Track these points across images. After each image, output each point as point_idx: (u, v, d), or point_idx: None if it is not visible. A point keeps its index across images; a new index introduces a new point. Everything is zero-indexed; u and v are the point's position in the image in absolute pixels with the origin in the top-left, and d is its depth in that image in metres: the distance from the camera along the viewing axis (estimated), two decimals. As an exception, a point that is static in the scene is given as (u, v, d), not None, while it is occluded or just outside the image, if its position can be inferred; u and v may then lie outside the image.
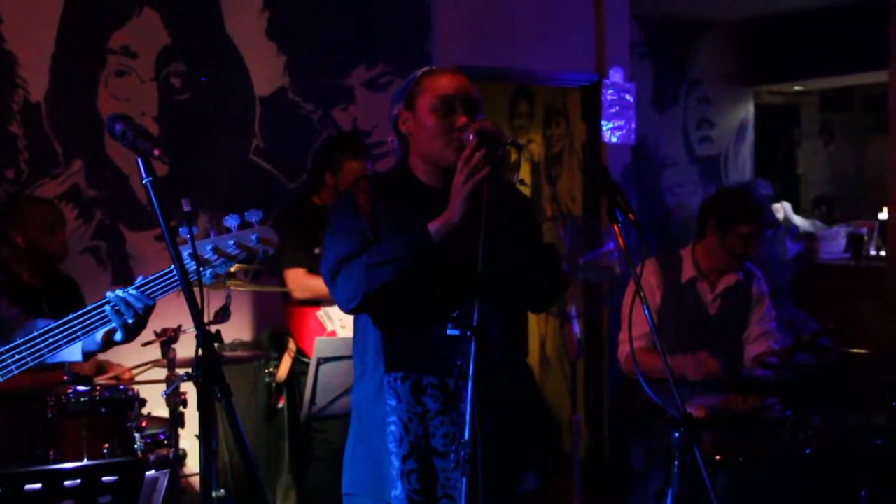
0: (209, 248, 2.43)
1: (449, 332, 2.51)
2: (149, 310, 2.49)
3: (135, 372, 4.41)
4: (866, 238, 7.15)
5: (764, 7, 6.85)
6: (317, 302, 4.41)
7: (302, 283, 4.40)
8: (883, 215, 6.97)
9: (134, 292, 2.46)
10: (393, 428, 2.65)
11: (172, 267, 2.41)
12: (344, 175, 4.47)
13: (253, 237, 2.44)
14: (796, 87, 8.32)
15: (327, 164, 4.54)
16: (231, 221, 2.43)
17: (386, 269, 2.57)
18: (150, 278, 2.48)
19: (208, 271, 2.44)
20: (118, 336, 2.51)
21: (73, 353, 2.56)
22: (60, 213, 4.37)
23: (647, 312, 2.64)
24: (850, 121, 9.23)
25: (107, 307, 2.47)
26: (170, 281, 2.46)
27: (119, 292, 2.47)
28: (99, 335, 2.54)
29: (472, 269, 2.44)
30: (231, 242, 2.44)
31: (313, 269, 4.38)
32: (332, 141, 4.87)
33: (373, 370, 2.71)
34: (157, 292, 2.48)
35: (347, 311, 2.70)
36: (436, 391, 2.63)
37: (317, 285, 4.21)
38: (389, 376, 2.66)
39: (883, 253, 6.86)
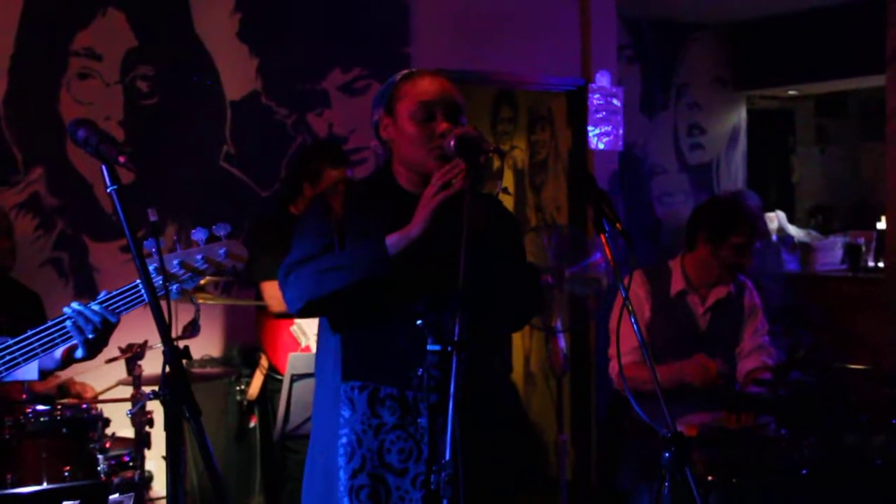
0: (176, 262, 2.45)
1: (429, 347, 2.51)
2: (110, 325, 2.48)
3: (98, 390, 4.39)
4: (864, 249, 7.19)
5: (756, 9, 6.89)
6: (291, 315, 4.40)
7: (280, 295, 4.39)
8: (881, 225, 7.01)
9: (96, 307, 2.46)
10: (344, 440, 2.65)
11: (137, 282, 2.42)
12: (323, 184, 4.46)
13: (221, 251, 2.46)
14: (790, 92, 8.37)
15: (305, 173, 4.54)
16: (199, 235, 2.45)
17: (335, 276, 2.59)
18: (114, 293, 2.47)
19: (175, 286, 2.45)
20: (79, 353, 2.51)
21: (29, 371, 2.55)
22: (3, 220, 4.30)
23: (635, 326, 2.64)
24: (847, 127, 9.28)
25: (67, 322, 2.46)
26: (135, 296, 2.46)
27: (76, 305, 2.46)
28: (58, 352, 2.53)
29: (443, 278, 2.45)
30: (199, 257, 2.45)
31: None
32: (310, 149, 4.88)
33: (331, 378, 2.72)
34: (122, 307, 2.47)
35: (293, 313, 2.74)
36: (394, 403, 2.63)
37: None
38: (346, 385, 2.66)
39: (881, 264, 6.89)
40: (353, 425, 2.64)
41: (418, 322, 2.56)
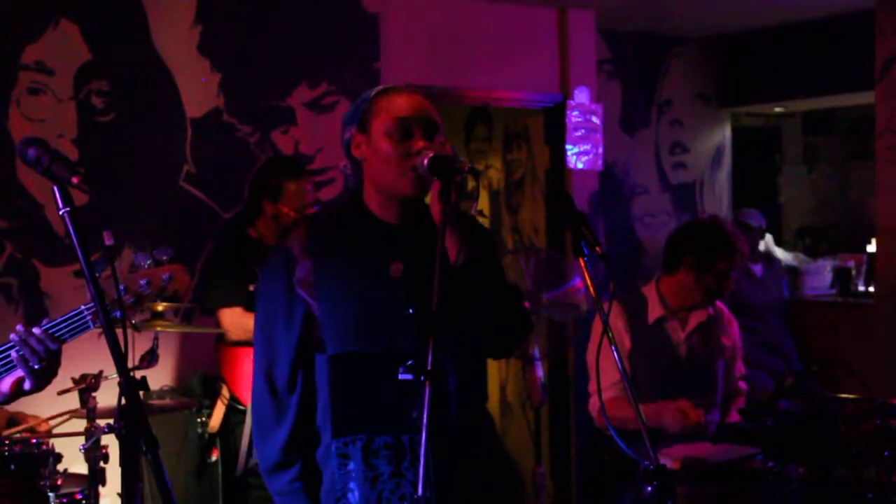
0: (120, 287, 2.45)
1: (401, 376, 2.49)
2: (54, 354, 2.47)
3: (50, 423, 4.35)
4: (854, 272, 7.23)
5: (742, 22, 6.95)
6: (251, 344, 4.39)
7: (239, 322, 4.39)
8: (871, 248, 7.06)
9: (38, 332, 2.45)
10: (347, 498, 2.64)
11: (81, 307, 2.43)
12: (285, 199, 4.49)
13: (165, 276, 2.51)
14: (777, 109, 8.43)
15: (265, 191, 4.55)
16: (141, 260, 2.47)
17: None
18: (58, 319, 2.48)
19: (118, 312, 2.45)
20: (27, 384, 2.49)
21: None
22: None
23: (616, 356, 2.64)
24: (836, 145, 9.36)
25: (12, 352, 2.45)
26: (79, 322, 2.46)
27: (20, 329, 2.46)
28: (6, 384, 2.52)
29: (428, 311, 2.43)
30: (143, 282, 2.50)
31: (251, 307, 4.37)
32: (266, 165, 4.90)
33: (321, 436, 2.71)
34: (66, 334, 2.47)
35: None
36: (389, 451, 2.61)
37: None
38: (338, 442, 2.64)
39: (872, 289, 6.94)
40: (349, 482, 2.64)
41: (409, 362, 2.55)
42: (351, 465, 2.63)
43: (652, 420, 3.97)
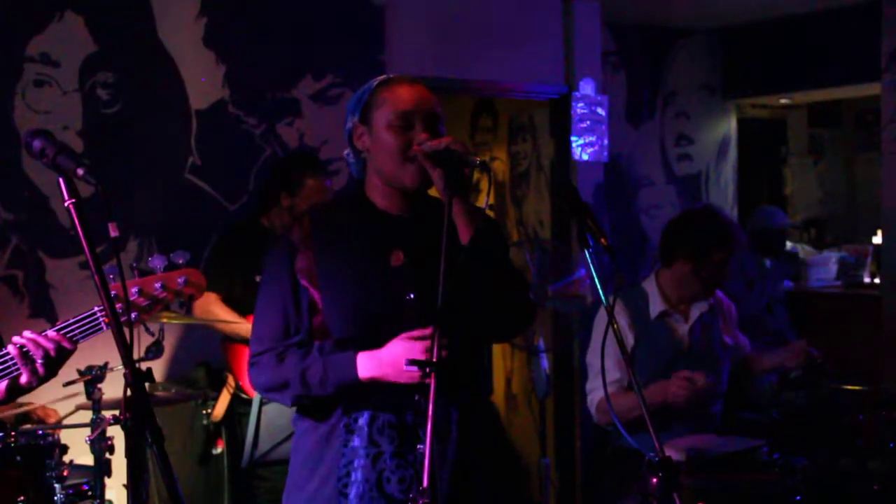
0: (135, 290, 2.47)
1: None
2: (66, 353, 2.48)
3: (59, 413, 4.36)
4: (857, 262, 7.23)
5: (747, 14, 6.94)
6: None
7: (205, 306, 4.40)
8: (877, 239, 7.05)
9: (51, 333, 2.45)
10: (348, 475, 2.64)
11: (95, 309, 2.44)
12: (303, 194, 4.51)
13: (181, 280, 2.51)
14: (782, 100, 8.42)
15: (284, 184, 4.57)
16: (157, 262, 2.47)
17: (298, 388, 2.63)
18: (71, 320, 2.48)
19: (134, 314, 2.46)
20: (23, 378, 2.49)
21: None
22: None
23: (619, 348, 2.64)
24: (841, 137, 9.35)
25: (10, 348, 2.45)
26: (92, 323, 2.46)
27: (28, 334, 2.46)
28: (1, 385, 2.53)
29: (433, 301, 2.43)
30: (158, 285, 2.50)
31: (250, 296, 4.38)
32: (289, 159, 4.94)
33: (326, 415, 2.70)
34: (79, 335, 2.48)
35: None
36: (393, 430, 2.62)
37: (217, 314, 4.36)
38: (348, 418, 2.65)
39: (877, 280, 6.93)
40: (354, 459, 2.64)
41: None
42: (356, 442, 2.64)
43: (658, 398, 3.95)
